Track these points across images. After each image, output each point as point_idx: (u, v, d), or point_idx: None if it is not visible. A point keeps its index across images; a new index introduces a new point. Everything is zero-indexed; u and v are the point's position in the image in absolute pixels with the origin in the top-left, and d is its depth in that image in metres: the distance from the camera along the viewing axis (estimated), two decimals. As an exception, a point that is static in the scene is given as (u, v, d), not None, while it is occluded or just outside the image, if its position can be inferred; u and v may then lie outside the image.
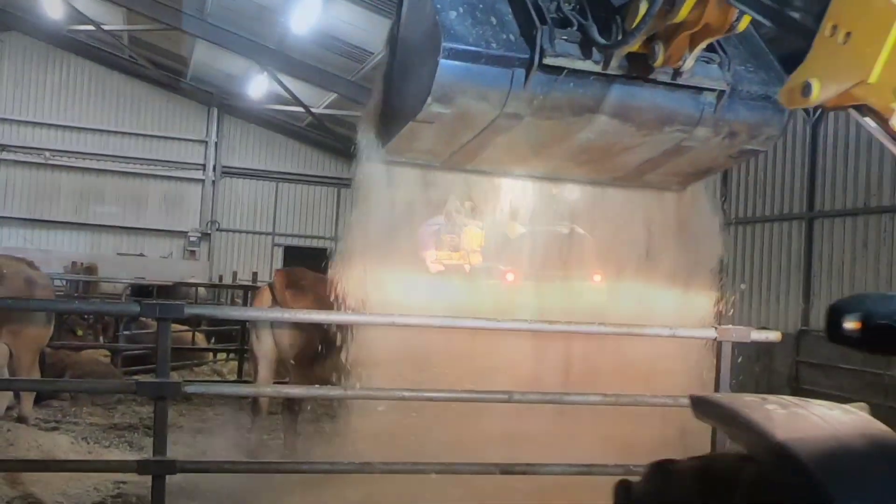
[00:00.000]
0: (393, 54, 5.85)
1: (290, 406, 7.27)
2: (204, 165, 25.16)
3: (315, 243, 25.67)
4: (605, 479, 4.85)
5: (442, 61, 4.62)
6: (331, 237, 25.98)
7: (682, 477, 2.46)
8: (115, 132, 24.14)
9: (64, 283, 15.77)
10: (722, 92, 5.17)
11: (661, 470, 2.54)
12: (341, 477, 6.46)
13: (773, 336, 6.24)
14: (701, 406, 2.65)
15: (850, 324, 2.30)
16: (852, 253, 10.28)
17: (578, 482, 5.90)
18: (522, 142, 5.38)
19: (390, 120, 5.52)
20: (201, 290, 18.69)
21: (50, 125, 23.80)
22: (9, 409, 8.61)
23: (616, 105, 5.03)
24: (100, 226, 23.94)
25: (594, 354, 6.88)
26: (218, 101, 24.77)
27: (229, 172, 25.39)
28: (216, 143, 25.21)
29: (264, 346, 7.41)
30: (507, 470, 5.81)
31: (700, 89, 5.14)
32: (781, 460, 2.25)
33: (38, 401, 8.88)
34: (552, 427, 6.53)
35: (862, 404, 3.56)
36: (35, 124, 23.72)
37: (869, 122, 3.12)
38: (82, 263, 18.38)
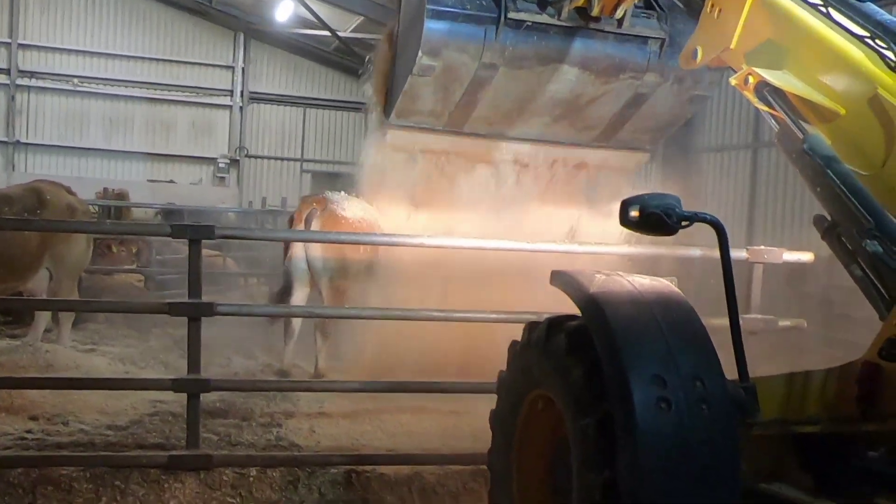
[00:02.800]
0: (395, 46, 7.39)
1: (323, 328, 7.37)
2: (231, 91, 25.04)
3: (343, 169, 25.62)
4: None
5: (427, 21, 5.78)
6: (355, 162, 25.93)
7: (539, 328, 3.38)
8: (143, 58, 24.02)
9: (96, 208, 15.93)
10: (663, 41, 6.23)
11: (530, 326, 3.53)
12: (373, 396, 6.62)
13: (806, 257, 6.18)
14: (555, 278, 3.48)
15: (633, 212, 3.10)
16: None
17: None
18: (503, 96, 6.44)
19: (394, 89, 6.83)
20: (231, 215, 18.80)
21: (77, 51, 23.69)
22: (47, 331, 8.79)
23: (574, 55, 6.11)
24: (129, 152, 24.01)
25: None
26: (245, 26, 24.50)
27: (257, 98, 25.26)
28: (243, 69, 25.04)
29: (298, 268, 7.52)
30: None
31: (643, 39, 6.23)
32: (588, 304, 3.10)
33: (75, 324, 9.05)
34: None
35: (672, 277, 4.25)
36: (62, 51, 23.63)
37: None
38: (113, 190, 18.49)
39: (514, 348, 3.68)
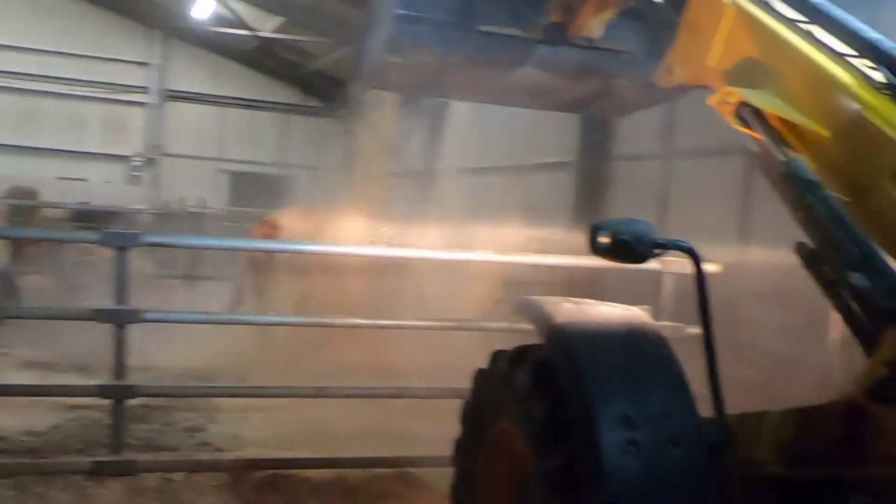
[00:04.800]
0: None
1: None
2: (147, 88, 24.58)
3: (262, 170, 25.45)
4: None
5: (395, 23, 5.65)
6: (277, 164, 25.77)
7: (504, 358, 3.27)
8: (56, 53, 23.32)
9: (5, 207, 15.47)
10: (636, 53, 5.93)
11: (495, 355, 3.40)
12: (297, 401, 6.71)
13: (714, 267, 6.50)
14: (520, 307, 3.38)
15: (603, 238, 2.96)
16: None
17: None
18: (470, 78, 6.29)
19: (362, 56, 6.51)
20: (148, 217, 18.48)
21: (-17, 44, 22.94)
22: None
23: (541, 61, 5.89)
24: (40, 149, 23.30)
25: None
26: (162, 23, 24.08)
27: (174, 96, 24.84)
28: (160, 66, 24.61)
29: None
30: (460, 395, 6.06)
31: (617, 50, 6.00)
32: (554, 336, 2.95)
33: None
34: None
35: (645, 307, 4.17)
36: (-33, 43, 22.85)
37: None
38: (22, 187, 17.95)
39: (480, 376, 3.53)
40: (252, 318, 6.42)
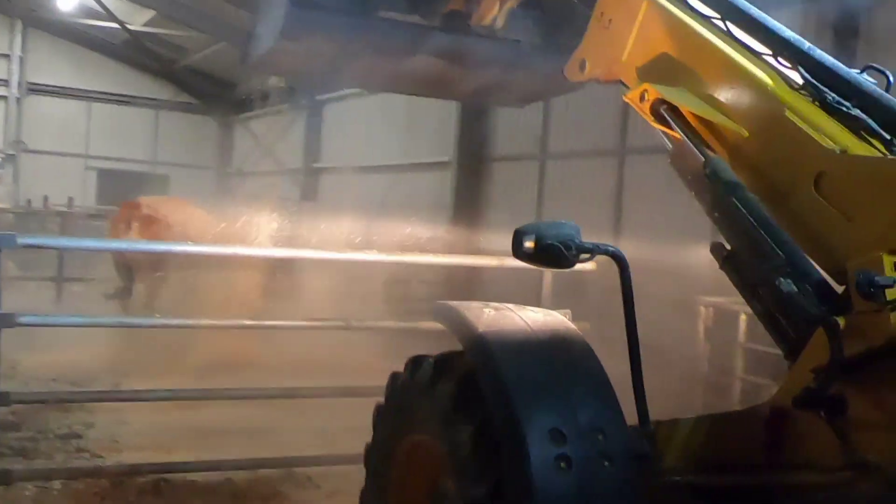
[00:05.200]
0: None
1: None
2: (7, 81, 23.42)
3: (132, 167, 24.65)
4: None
5: (291, 7, 5.40)
6: (148, 161, 25.02)
7: (425, 366, 3.07)
8: None
9: None
10: (537, 44, 5.83)
11: (415, 361, 3.19)
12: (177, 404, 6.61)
13: (589, 265, 6.78)
14: (438, 312, 3.22)
15: (528, 243, 2.82)
16: (658, 189, 11.13)
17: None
18: (366, 66, 6.11)
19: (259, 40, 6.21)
20: (10, 216, 17.63)
21: None
22: None
23: (441, 49, 5.76)
24: None
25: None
26: (22, 12, 22.99)
27: (36, 90, 23.76)
28: (21, 58, 23.48)
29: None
30: (347, 392, 6.11)
31: (517, 40, 5.83)
32: (477, 347, 2.83)
33: None
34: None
35: (566, 310, 4.13)
36: None
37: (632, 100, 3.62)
38: None
39: (395, 382, 3.33)
40: (133, 320, 6.27)
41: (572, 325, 3.02)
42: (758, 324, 6.93)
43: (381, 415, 3.48)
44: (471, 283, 12.07)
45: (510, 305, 3.09)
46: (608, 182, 11.81)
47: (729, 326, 7.09)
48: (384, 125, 17.72)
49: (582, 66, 4.02)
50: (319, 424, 6.62)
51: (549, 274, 6.29)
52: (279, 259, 9.77)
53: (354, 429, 6.61)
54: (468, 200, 14.21)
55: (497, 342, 2.82)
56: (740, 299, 3.23)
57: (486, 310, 3.02)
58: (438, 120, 15.60)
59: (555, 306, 6.46)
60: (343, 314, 8.62)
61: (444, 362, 3.02)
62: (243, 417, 6.63)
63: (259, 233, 10.83)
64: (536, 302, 6.20)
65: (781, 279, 2.78)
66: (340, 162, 19.66)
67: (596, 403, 2.67)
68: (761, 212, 2.95)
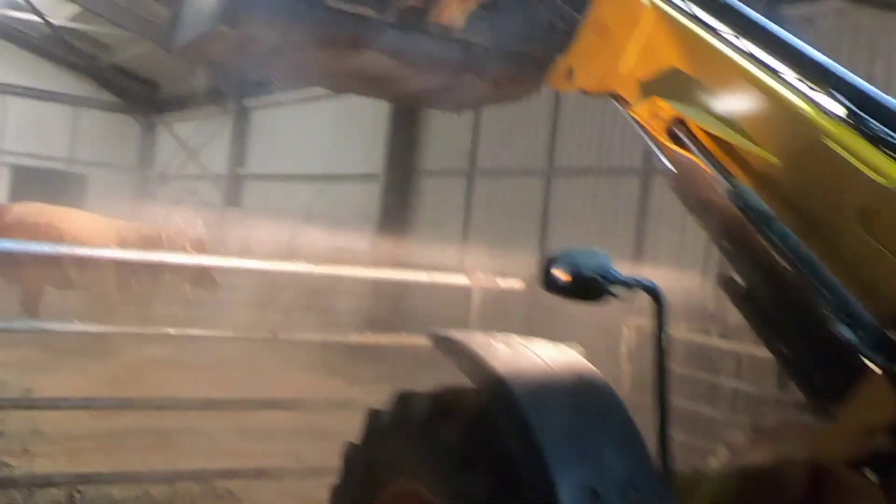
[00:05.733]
0: None
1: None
2: (-84, 71, 22.51)
3: (48, 165, 23.91)
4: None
5: None
6: (66, 159, 24.30)
7: (419, 404, 2.75)
8: None
9: None
10: (490, 49, 5.41)
11: (403, 398, 2.86)
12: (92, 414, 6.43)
13: (518, 284, 6.84)
14: (439, 342, 2.93)
15: (562, 275, 2.55)
16: (585, 209, 11.33)
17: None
18: (307, 58, 5.62)
19: (187, 25, 5.75)
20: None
21: None
22: None
23: (390, 46, 5.33)
24: None
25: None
26: (-64, 0, 22.13)
27: (-55, 80, 22.91)
28: (-71, 47, 22.62)
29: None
30: (267, 405, 6.04)
31: (470, 43, 5.39)
32: (496, 389, 2.53)
33: None
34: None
35: (575, 344, 4.00)
36: None
37: (624, 110, 3.39)
38: None
39: (375, 421, 3.01)
40: (48, 325, 6.08)
41: (591, 365, 2.75)
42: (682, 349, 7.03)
43: (354, 456, 3.12)
44: (396, 298, 12.06)
45: (517, 338, 2.85)
46: (535, 200, 11.96)
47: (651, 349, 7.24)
48: (313, 134, 17.61)
49: (569, 75, 3.65)
50: (238, 436, 6.52)
51: (477, 294, 6.33)
52: (199, 266, 9.60)
53: (274, 440, 6.57)
54: (395, 213, 14.21)
55: (517, 383, 2.53)
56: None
57: (497, 344, 2.76)
58: (368, 131, 15.57)
59: (483, 323, 6.50)
60: (267, 325, 8.52)
61: (445, 401, 2.72)
62: (161, 428, 6.48)
63: (175, 239, 10.50)
64: (465, 318, 6.23)
65: (835, 323, 2.47)
66: (267, 169, 19.45)
67: (629, 457, 2.43)
68: (801, 248, 2.63)
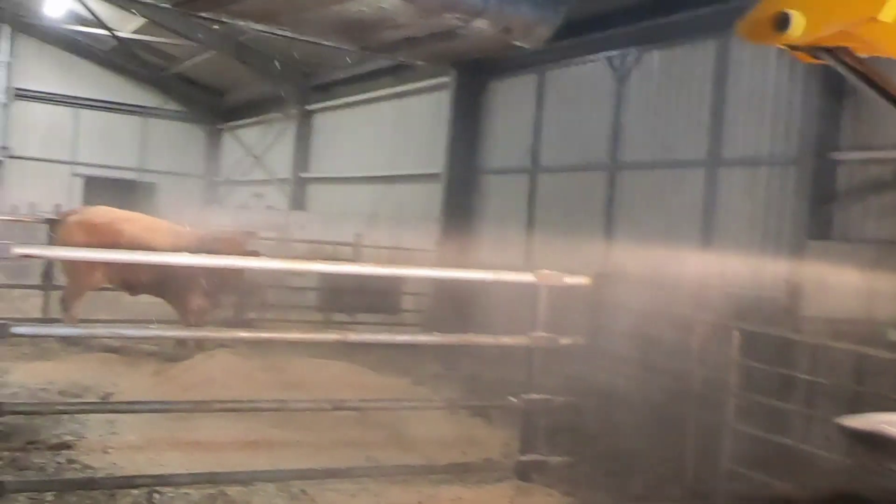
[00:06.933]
0: None
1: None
2: (-6, 86, 23.33)
3: (119, 174, 24.57)
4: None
5: None
6: (136, 168, 24.92)
7: None
8: None
9: None
10: None
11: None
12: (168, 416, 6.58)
13: (584, 280, 6.79)
14: (860, 437, 2.53)
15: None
16: (649, 203, 11.18)
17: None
18: (285, 3, 5.15)
19: None
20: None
21: None
22: None
23: None
24: None
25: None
26: (11, 18, 22.87)
27: (24, 95, 23.63)
28: (8, 63, 23.36)
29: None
30: (338, 406, 6.11)
31: None
32: None
33: None
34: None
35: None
36: None
37: (847, 70, 2.86)
38: None
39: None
40: (126, 331, 6.24)
41: None
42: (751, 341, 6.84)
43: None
44: (462, 296, 12.08)
45: None
46: (599, 195, 11.86)
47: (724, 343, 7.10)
48: (374, 136, 17.74)
49: (782, 24, 2.80)
50: (312, 438, 6.61)
51: (543, 290, 6.29)
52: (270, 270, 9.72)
53: (346, 443, 6.64)
54: (458, 212, 14.22)
55: None
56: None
57: None
58: (428, 131, 15.63)
59: (550, 321, 6.48)
60: (334, 326, 8.60)
61: None
62: (236, 430, 6.60)
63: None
64: (532, 317, 6.21)
65: None
66: (330, 172, 19.66)
67: None
68: None
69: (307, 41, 16.12)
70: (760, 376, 6.81)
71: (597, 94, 12.02)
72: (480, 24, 5.16)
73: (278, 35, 5.71)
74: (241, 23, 5.16)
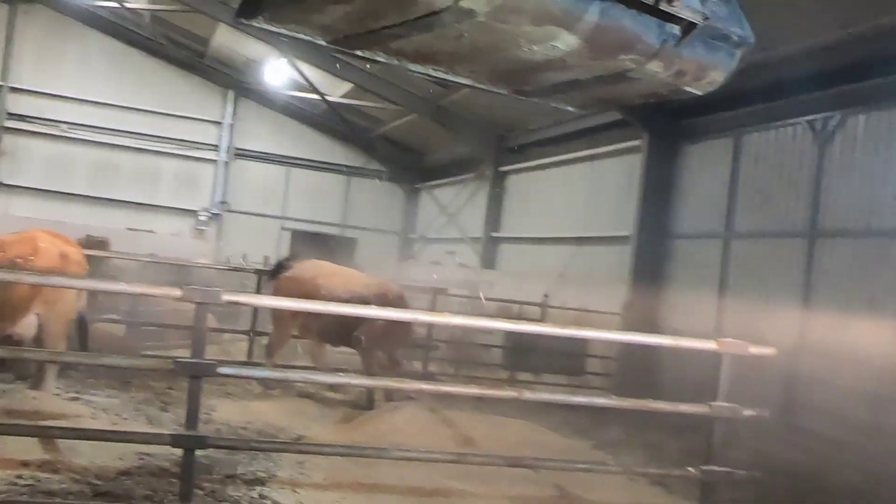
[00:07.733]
0: None
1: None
2: (217, 146, 25.47)
3: (323, 229, 26.06)
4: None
5: None
6: (339, 224, 26.32)
7: None
8: (132, 108, 24.40)
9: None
10: (692, 25, 4.55)
11: None
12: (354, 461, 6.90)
13: (769, 350, 6.56)
14: None
15: None
16: (851, 274, 10.60)
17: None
18: (449, 44, 4.56)
19: None
20: (212, 271, 18.90)
21: (68, 98, 24.01)
22: (29, 377, 8.91)
23: (586, 20, 4.30)
24: (112, 200, 24.23)
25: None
26: (235, 84, 25.04)
27: (242, 155, 25.70)
28: (231, 125, 25.52)
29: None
30: (513, 463, 6.19)
31: (667, 17, 4.49)
32: None
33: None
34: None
35: None
36: (53, 97, 23.94)
37: None
38: (95, 237, 18.63)
39: None
40: (318, 377, 6.62)
41: None
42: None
43: None
44: (648, 361, 11.88)
45: None
46: (794, 263, 11.37)
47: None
48: (565, 197, 17.89)
49: None
50: (487, 491, 6.71)
51: (726, 358, 6.13)
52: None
53: (519, 499, 6.69)
54: (647, 276, 14.03)
55: None
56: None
57: None
58: (619, 194, 15.61)
59: (738, 391, 6.29)
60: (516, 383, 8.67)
61: None
62: (415, 479, 6.81)
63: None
64: (714, 386, 6.07)
65: None
66: (520, 232, 19.95)
67: None
68: None
69: (505, 105, 16.61)
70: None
71: (796, 159, 11.62)
72: (654, 67, 4.62)
73: (475, 92, 5.40)
74: (396, 62, 4.80)
